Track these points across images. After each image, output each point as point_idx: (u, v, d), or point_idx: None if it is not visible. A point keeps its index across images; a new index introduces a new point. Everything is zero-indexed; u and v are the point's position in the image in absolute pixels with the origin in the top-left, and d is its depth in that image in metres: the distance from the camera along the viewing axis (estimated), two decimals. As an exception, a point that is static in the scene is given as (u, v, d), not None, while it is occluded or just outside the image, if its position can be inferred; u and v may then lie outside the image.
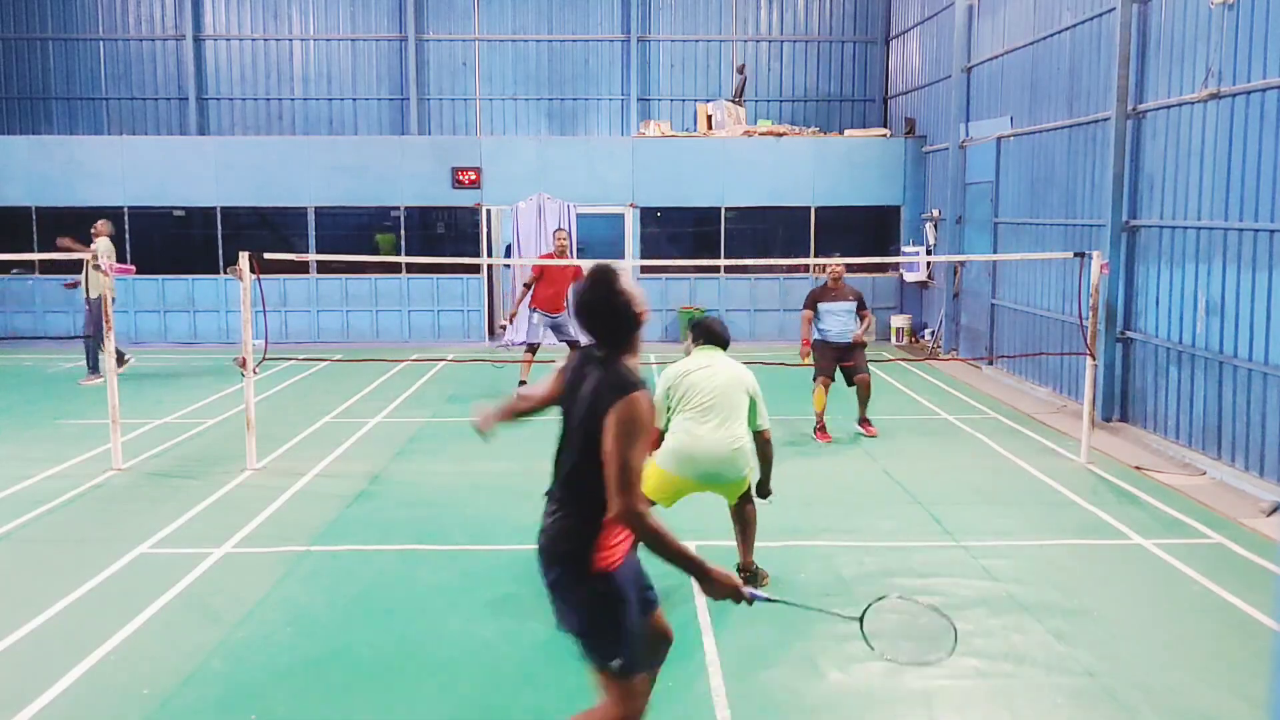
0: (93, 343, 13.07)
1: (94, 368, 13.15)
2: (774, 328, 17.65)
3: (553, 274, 12.14)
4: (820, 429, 10.13)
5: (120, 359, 12.98)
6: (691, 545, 3.35)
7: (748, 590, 3.40)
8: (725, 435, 5.79)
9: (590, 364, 3.54)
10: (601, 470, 3.34)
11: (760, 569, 6.20)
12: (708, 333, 6.20)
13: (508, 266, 17.45)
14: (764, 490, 6.19)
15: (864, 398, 10.22)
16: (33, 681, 4.91)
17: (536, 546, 3.57)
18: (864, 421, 10.29)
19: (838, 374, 10.21)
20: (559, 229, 12.50)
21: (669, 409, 5.93)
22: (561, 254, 12.35)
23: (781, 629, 5.55)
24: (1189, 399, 9.57)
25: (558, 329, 12.50)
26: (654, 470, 5.75)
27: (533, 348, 12.66)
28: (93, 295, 12.93)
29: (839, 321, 10.16)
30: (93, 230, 13.14)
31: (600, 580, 3.45)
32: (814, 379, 10.17)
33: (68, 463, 9.06)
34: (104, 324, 9.08)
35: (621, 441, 3.29)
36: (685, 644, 5.37)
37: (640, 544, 3.37)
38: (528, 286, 12.44)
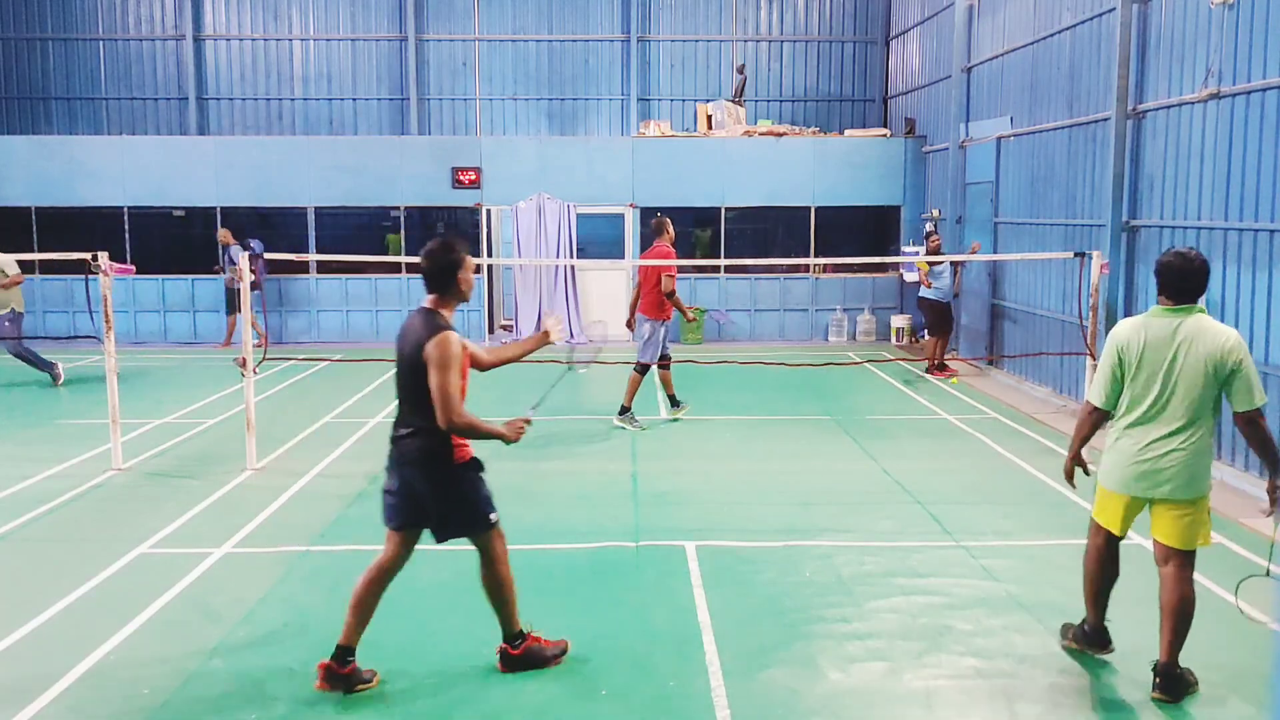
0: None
1: None
2: (774, 328, 17.67)
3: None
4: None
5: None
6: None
7: (528, 412, 4.90)
8: None
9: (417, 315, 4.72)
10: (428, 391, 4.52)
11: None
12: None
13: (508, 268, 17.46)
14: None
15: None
16: (33, 681, 4.91)
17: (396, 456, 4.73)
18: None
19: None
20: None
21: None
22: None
23: (781, 629, 5.55)
24: (1189, 399, 9.55)
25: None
26: None
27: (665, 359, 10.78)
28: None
29: None
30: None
31: (464, 468, 4.73)
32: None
33: (68, 463, 9.07)
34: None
35: (438, 370, 4.47)
36: (685, 644, 5.37)
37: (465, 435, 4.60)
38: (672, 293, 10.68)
